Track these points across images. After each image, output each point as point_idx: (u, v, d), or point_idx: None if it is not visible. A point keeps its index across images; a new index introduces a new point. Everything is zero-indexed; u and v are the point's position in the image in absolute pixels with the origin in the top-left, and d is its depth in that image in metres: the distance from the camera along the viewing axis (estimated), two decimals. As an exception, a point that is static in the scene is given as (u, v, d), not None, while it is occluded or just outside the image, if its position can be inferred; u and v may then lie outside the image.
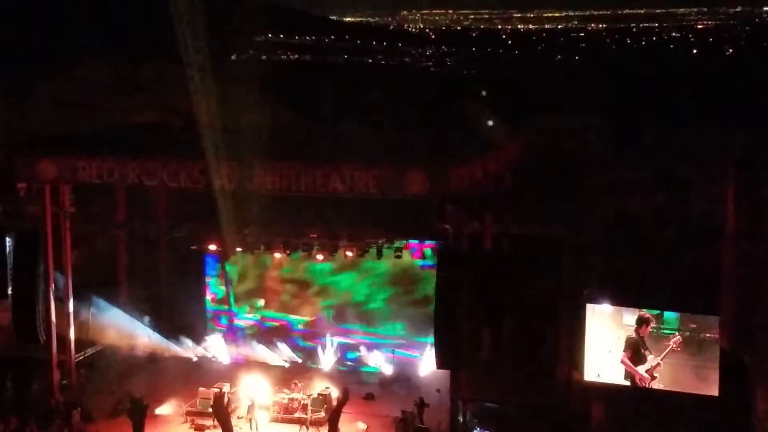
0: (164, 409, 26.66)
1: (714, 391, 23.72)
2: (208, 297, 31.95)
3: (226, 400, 26.13)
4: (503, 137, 28.87)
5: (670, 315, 24.36)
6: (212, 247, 29.46)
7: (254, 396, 26.69)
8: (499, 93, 31.37)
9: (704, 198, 27.84)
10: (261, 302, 31.79)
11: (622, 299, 24.90)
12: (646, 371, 24.38)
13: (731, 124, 29.35)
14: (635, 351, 24.49)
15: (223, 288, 31.75)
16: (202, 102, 27.82)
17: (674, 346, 24.13)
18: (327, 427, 25.36)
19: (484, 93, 26.07)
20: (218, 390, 26.10)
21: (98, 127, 32.03)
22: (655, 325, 24.39)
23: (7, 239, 27.27)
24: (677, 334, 24.16)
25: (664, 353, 24.22)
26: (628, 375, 24.61)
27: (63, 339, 28.05)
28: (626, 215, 27.32)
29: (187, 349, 30.81)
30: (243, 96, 30.59)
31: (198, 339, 31.15)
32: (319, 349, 30.80)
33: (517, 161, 28.80)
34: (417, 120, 29.77)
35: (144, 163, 26.73)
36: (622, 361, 24.57)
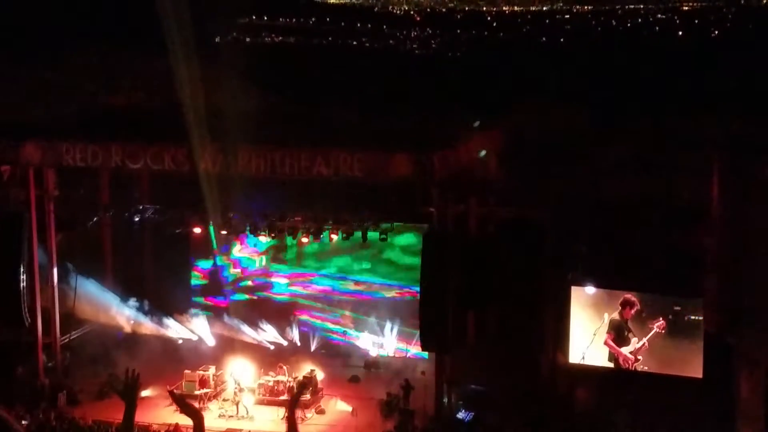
0: (149, 392, 26.69)
1: (698, 373, 23.88)
2: (198, 273, 31.97)
3: (212, 382, 26.17)
4: (487, 121, 28.89)
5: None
6: (197, 230, 29.42)
7: (240, 378, 26.75)
8: (484, 76, 31.35)
9: (689, 181, 27.92)
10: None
11: (606, 282, 25.00)
12: (630, 353, 24.52)
13: (717, 107, 29.42)
14: (618, 333, 24.62)
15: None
16: (186, 85, 27.70)
17: (658, 329, 24.26)
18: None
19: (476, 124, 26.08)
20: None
21: (82, 110, 31.82)
22: (638, 308, 24.52)
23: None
24: (660, 318, 24.29)
25: (648, 336, 24.35)
26: (612, 357, 24.75)
27: (48, 322, 28.00)
28: (611, 198, 27.38)
29: (171, 331, 30.79)
30: (227, 79, 30.43)
31: (183, 321, 31.14)
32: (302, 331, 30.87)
33: (502, 145, 28.84)
34: (401, 103, 29.72)
35: (127, 147, 26.65)
36: (606, 343, 24.70)
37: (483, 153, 24.91)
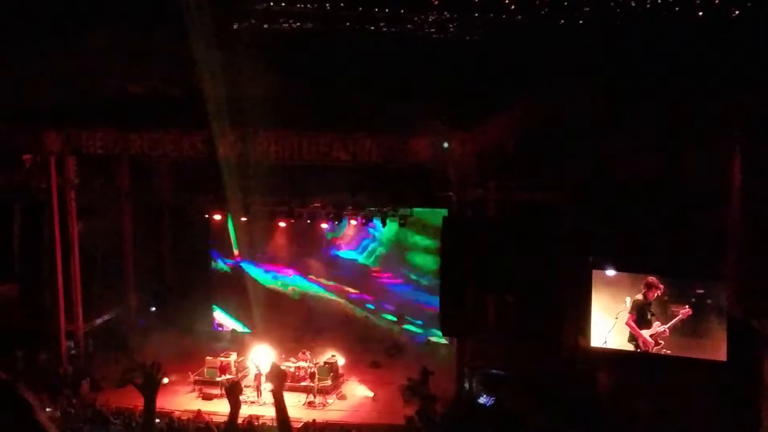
0: (171, 379, 26.83)
1: (722, 356, 23.74)
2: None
3: (233, 368, 26.29)
4: (506, 104, 28.76)
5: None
6: (217, 216, 29.48)
7: (261, 364, 26.82)
8: (502, 59, 31.17)
9: (709, 162, 27.72)
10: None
11: (627, 265, 24.87)
12: (651, 336, 24.41)
13: (738, 85, 29.17)
14: (641, 314, 24.49)
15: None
16: (205, 72, 27.71)
17: (682, 315, 24.11)
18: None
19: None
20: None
21: (102, 98, 31.89)
22: (661, 291, 24.37)
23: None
24: (687, 305, 24.10)
25: (672, 322, 24.20)
26: (632, 338, 24.64)
27: (70, 310, 28.15)
28: (630, 180, 27.23)
29: (193, 318, 30.88)
30: (245, 65, 30.40)
31: (204, 307, 31.24)
32: None
33: (520, 128, 28.71)
34: (420, 88, 29.60)
35: (147, 134, 26.69)
36: (627, 323, 24.59)
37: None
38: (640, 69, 29.67)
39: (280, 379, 6.17)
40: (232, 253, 31.62)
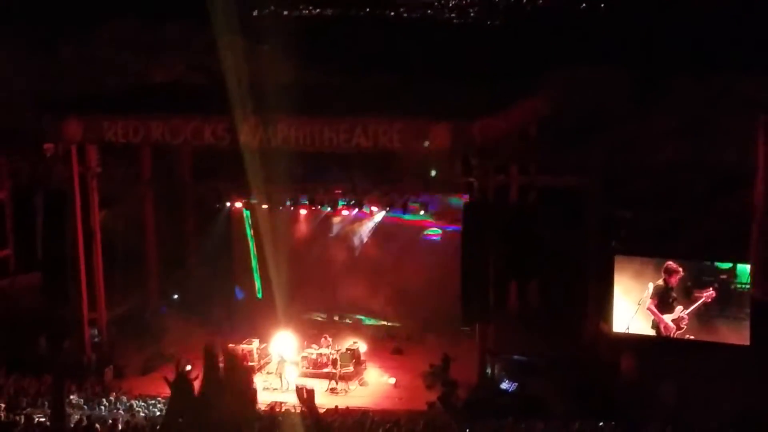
0: (194, 365, 26.90)
1: (745, 340, 23.60)
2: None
3: (255, 355, 26.35)
4: (528, 88, 28.62)
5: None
6: (238, 204, 29.49)
7: (283, 351, 26.86)
8: (523, 43, 31.04)
9: (733, 145, 27.51)
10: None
11: (650, 249, 24.73)
12: (673, 320, 24.28)
13: (762, 69, 28.90)
14: (662, 299, 24.36)
15: None
16: (226, 59, 27.68)
17: (706, 298, 23.96)
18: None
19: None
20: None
21: (123, 86, 31.98)
22: (683, 276, 24.22)
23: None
24: (711, 288, 23.94)
25: (695, 305, 24.06)
26: (654, 324, 24.53)
27: (93, 297, 28.24)
28: (654, 163, 27.08)
29: (215, 305, 30.89)
30: (266, 52, 30.44)
31: (226, 294, 31.28)
32: None
33: (542, 112, 28.57)
34: (440, 73, 29.54)
35: (168, 122, 26.66)
36: (648, 308, 24.47)
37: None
38: (665, 52, 29.46)
39: (309, 399, 6.16)
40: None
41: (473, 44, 31.51)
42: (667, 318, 24.30)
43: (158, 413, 22.78)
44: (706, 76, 30.14)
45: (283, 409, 23.78)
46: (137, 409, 23.24)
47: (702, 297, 24.00)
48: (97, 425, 18.80)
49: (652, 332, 24.56)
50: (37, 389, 23.53)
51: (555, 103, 28.65)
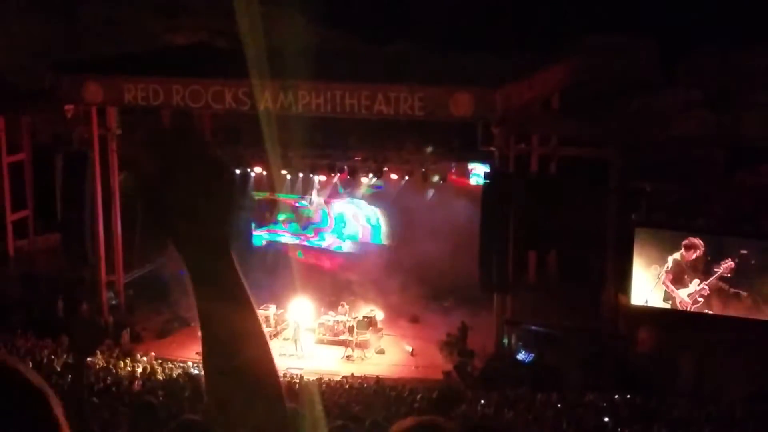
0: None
1: (765, 315, 23.45)
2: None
3: (272, 321, 26.43)
4: (552, 57, 28.34)
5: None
6: (257, 169, 29.41)
7: (300, 318, 26.87)
8: (547, 12, 30.75)
9: (756, 119, 27.24)
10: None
11: (671, 222, 24.55)
12: (688, 295, 24.12)
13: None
14: (677, 274, 24.20)
15: None
16: (246, 23, 27.49)
17: (724, 271, 23.77)
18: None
19: None
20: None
21: (143, 49, 31.85)
22: (702, 251, 24.02)
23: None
24: (729, 259, 23.74)
25: (712, 278, 23.88)
26: (668, 297, 24.38)
27: (111, 260, 28.30)
28: (676, 136, 26.83)
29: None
30: (288, 16, 30.23)
31: (243, 257, 31.26)
32: None
33: (565, 82, 28.33)
34: (463, 40, 29.30)
35: (189, 85, 26.54)
36: (664, 282, 24.33)
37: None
38: (690, 24, 29.10)
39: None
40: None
41: (497, 12, 31.19)
42: (683, 293, 24.14)
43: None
44: (731, 50, 29.80)
45: (297, 376, 23.85)
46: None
47: (720, 270, 23.80)
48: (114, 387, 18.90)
49: (665, 304, 24.41)
50: (53, 350, 23.64)
51: (579, 72, 28.40)
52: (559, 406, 21.19)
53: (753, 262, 23.68)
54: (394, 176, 28.48)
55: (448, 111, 24.69)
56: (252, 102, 25.87)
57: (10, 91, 29.29)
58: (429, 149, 27.44)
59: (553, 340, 24.96)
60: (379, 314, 27.59)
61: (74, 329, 24.79)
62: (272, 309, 27.29)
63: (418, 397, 21.79)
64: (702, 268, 24.02)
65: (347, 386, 23.33)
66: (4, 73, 30.16)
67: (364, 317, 27.02)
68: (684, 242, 24.08)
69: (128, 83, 26.77)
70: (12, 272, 28.43)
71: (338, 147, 28.22)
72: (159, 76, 26.84)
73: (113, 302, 28.27)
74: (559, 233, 25.09)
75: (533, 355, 25.08)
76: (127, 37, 33.64)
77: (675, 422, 19.61)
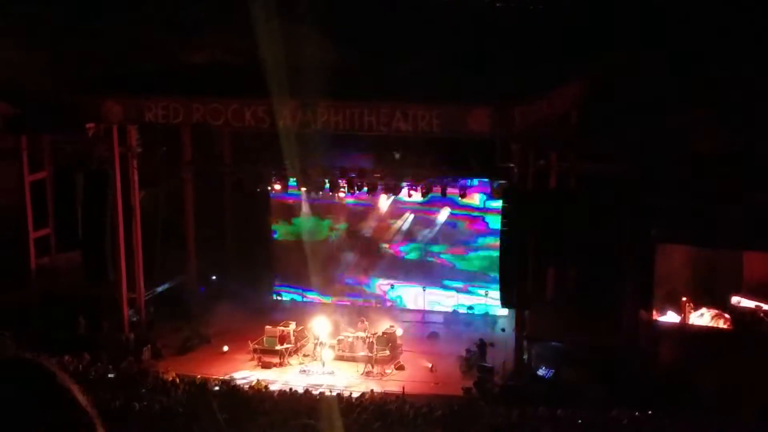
0: (231, 347, 27.10)
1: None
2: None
3: (292, 337, 26.51)
4: (569, 74, 28.35)
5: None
6: (277, 187, 29.50)
7: (320, 334, 26.92)
8: (565, 28, 30.76)
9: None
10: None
11: (692, 239, 24.48)
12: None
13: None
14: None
15: None
16: (266, 41, 27.65)
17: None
18: None
19: None
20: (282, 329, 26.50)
21: (163, 67, 32.03)
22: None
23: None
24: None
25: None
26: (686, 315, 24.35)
27: (132, 277, 28.42)
28: (695, 151, 26.75)
29: (253, 286, 30.94)
30: (305, 34, 30.35)
31: (264, 276, 31.34)
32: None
33: (584, 98, 28.32)
34: (481, 57, 29.34)
35: (209, 103, 26.71)
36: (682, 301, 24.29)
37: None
38: (707, 39, 29.06)
39: None
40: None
41: (515, 28, 31.24)
42: (701, 311, 24.10)
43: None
44: (751, 64, 29.72)
45: (319, 392, 23.88)
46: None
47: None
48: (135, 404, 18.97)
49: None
50: (76, 367, 23.74)
51: (596, 89, 28.38)
52: (580, 422, 21.14)
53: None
54: (413, 192, 28.36)
55: (466, 128, 24.74)
56: (271, 120, 26.01)
57: (32, 110, 29.51)
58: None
59: (573, 357, 24.90)
60: (399, 330, 27.60)
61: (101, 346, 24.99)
62: (292, 325, 27.35)
63: (438, 414, 21.77)
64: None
65: (367, 402, 23.33)
66: (26, 92, 30.36)
67: (383, 333, 27.04)
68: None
69: (149, 102, 26.97)
70: (33, 290, 28.60)
71: (357, 163, 28.24)
72: (179, 95, 27.02)
73: (134, 319, 28.39)
74: (577, 249, 25.06)
75: (553, 371, 25.01)
76: (146, 56, 33.84)
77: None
